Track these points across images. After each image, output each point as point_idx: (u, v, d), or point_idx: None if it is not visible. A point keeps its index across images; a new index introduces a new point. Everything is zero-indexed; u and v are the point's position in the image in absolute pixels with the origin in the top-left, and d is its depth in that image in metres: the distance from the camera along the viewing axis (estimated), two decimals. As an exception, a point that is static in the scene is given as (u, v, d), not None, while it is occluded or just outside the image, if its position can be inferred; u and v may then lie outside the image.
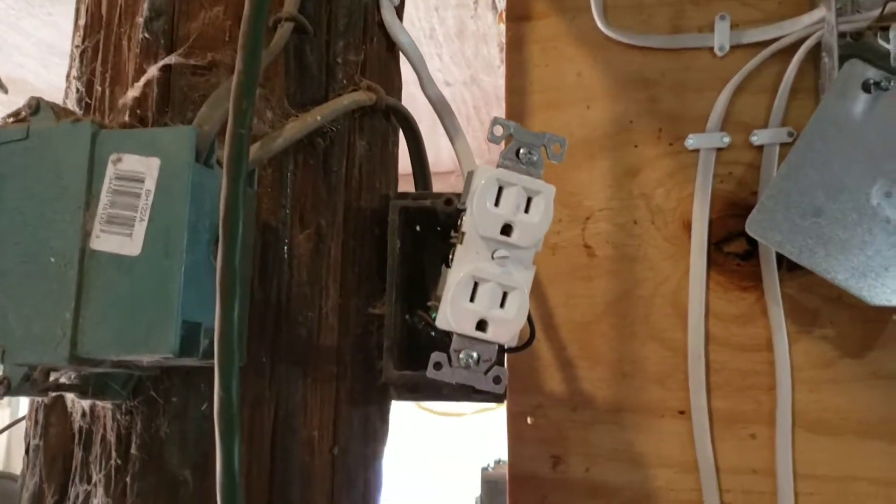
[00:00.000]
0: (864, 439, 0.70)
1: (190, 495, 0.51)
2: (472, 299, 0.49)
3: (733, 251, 0.74)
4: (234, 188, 0.42)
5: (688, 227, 0.74)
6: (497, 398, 0.59)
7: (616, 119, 0.77)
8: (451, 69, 1.68)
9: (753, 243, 0.73)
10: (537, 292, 0.77)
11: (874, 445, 0.69)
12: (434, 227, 0.62)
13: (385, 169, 0.62)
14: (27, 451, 0.58)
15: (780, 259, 0.72)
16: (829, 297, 0.72)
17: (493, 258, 0.49)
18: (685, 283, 0.74)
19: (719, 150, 0.75)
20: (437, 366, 0.51)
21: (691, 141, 0.75)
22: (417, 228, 0.63)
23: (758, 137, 0.74)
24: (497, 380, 0.50)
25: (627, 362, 0.75)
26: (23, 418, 0.79)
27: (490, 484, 0.80)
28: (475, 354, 0.50)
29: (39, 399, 0.57)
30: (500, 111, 0.79)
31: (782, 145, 0.73)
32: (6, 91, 0.94)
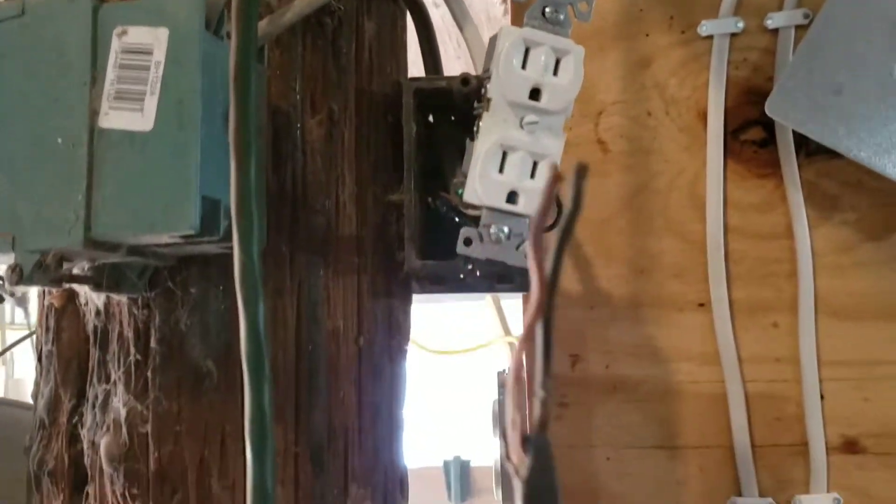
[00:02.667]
0: (889, 322, 0.69)
1: (214, 387, 0.50)
2: (500, 171, 0.47)
3: (750, 139, 0.72)
4: (244, 40, 0.39)
5: (703, 116, 0.73)
6: (522, 286, 0.58)
7: (625, 8, 0.75)
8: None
9: (770, 130, 0.72)
10: (550, 192, 0.75)
11: (898, 328, 0.69)
12: (449, 115, 0.59)
13: (395, 53, 0.59)
14: (39, 359, 0.56)
15: (798, 145, 0.71)
16: (849, 182, 0.70)
17: (521, 126, 0.47)
18: (702, 174, 0.72)
19: (733, 35, 0.72)
20: (468, 242, 0.49)
21: (704, 27, 0.73)
22: (431, 119, 0.60)
23: (772, 21, 0.72)
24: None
25: (645, 257, 0.73)
26: (34, 333, 0.78)
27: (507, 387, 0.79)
28: (506, 229, 0.48)
29: (49, 303, 0.55)
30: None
31: (798, 28, 0.71)
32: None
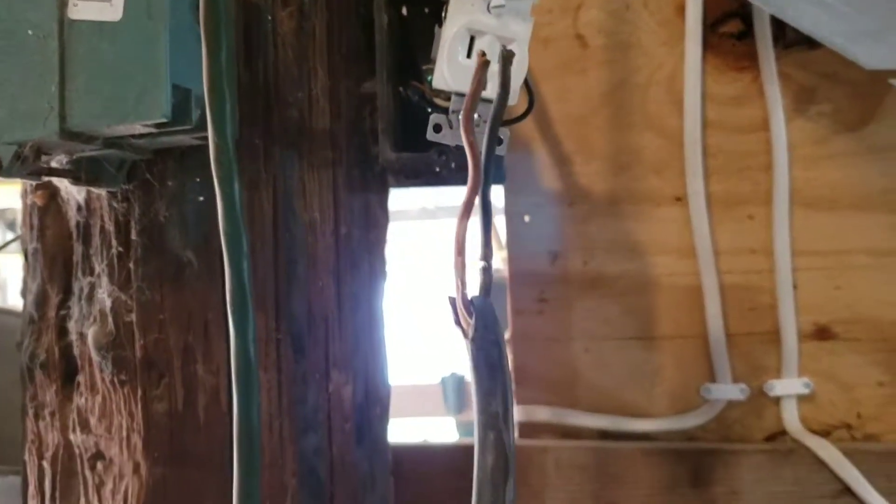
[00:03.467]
0: (861, 212, 0.70)
1: (195, 276, 0.51)
2: (468, 55, 0.48)
3: (728, 32, 0.72)
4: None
5: (681, 9, 0.72)
6: (497, 178, 0.59)
7: None
8: None
9: (748, 22, 0.71)
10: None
11: (871, 217, 0.70)
12: (422, 7, 0.59)
13: (367, -56, 0.59)
14: (25, 257, 0.57)
15: (776, 37, 0.71)
16: (826, 74, 0.71)
17: (488, 9, 0.47)
18: (680, 69, 0.72)
19: (712, -75, 0.72)
20: (437, 128, 0.50)
21: (683, -83, 0.72)
22: (404, 12, 0.60)
23: None
24: (499, 141, 0.49)
25: (624, 153, 0.74)
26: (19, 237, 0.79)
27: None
28: (476, 115, 0.48)
29: (32, 202, 0.56)
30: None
31: (777, -84, 0.70)
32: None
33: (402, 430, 0.62)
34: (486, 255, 0.34)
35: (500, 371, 0.33)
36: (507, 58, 0.33)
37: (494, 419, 0.33)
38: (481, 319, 0.33)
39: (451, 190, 0.72)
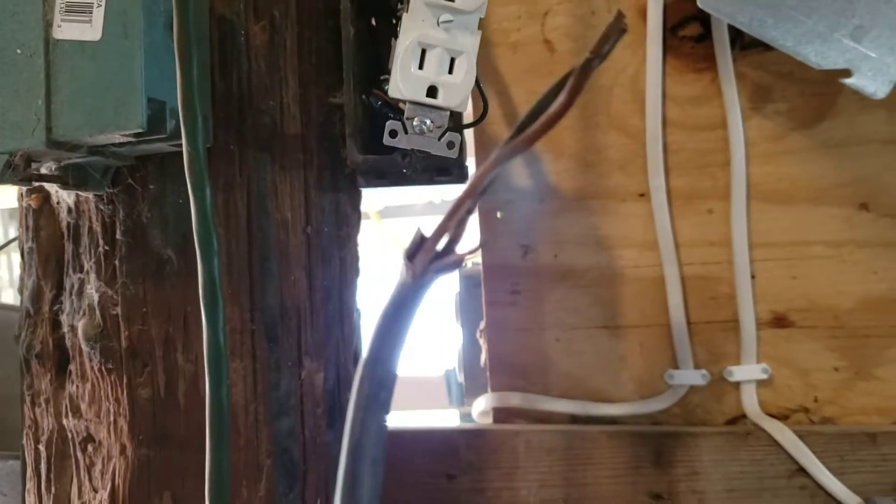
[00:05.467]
0: (816, 205, 0.73)
1: (175, 272, 0.55)
2: (420, 67, 0.52)
3: (688, 35, 0.75)
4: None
5: (643, 13, 0.76)
6: (459, 177, 0.63)
7: None
8: None
9: (707, 26, 0.75)
10: (501, 92, 0.80)
11: (825, 210, 0.73)
12: (389, 19, 0.63)
13: (335, -40, 0.63)
14: (22, 256, 0.62)
15: (734, 40, 0.74)
16: (781, 73, 0.74)
17: (438, 24, 0.51)
18: (643, 71, 0.76)
19: (671, -68, 0.75)
20: (393, 133, 0.54)
21: (643, -76, 0.75)
22: (374, 22, 0.64)
23: (709, -83, 0.74)
24: (451, 145, 0.53)
25: (591, 152, 0.78)
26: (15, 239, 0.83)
27: (467, 279, 0.85)
28: (428, 121, 0.53)
29: (27, 205, 0.61)
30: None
31: (734, -76, 0.73)
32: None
33: (405, 422, 0.66)
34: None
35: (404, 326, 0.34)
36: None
37: (376, 365, 0.34)
38: (430, 277, 0.34)
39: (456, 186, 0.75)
